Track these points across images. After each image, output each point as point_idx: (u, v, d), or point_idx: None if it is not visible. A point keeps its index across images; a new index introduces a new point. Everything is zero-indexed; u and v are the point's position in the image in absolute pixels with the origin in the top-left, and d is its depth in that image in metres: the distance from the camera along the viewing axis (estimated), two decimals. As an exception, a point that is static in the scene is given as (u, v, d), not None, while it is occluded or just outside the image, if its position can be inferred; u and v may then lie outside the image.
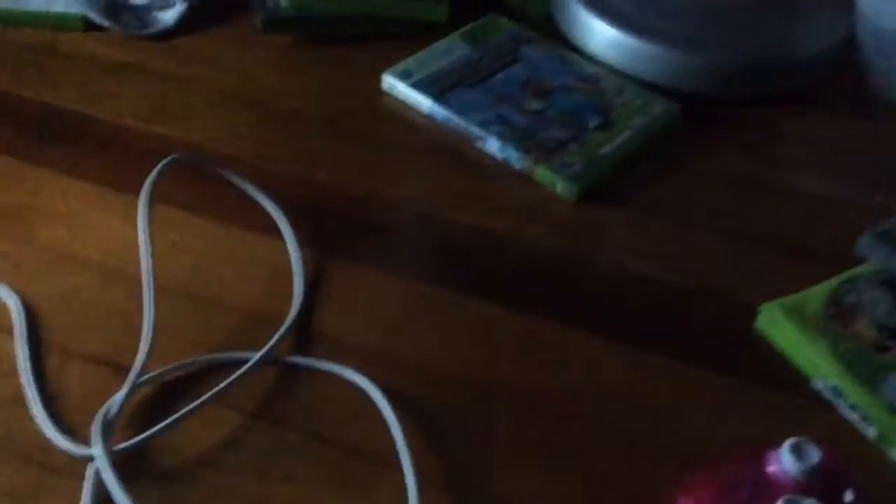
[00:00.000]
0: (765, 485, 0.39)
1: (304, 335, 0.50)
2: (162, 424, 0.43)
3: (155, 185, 0.52)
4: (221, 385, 0.45)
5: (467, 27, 0.71)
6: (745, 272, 0.56)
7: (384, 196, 0.59)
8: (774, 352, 0.51)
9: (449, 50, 0.69)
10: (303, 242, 0.54)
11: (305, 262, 0.53)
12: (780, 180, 0.63)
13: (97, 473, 0.41)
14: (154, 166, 0.53)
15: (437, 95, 0.65)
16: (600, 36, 0.69)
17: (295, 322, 0.50)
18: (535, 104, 0.65)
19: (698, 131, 0.66)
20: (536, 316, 0.52)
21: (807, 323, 0.51)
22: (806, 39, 0.69)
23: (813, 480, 0.39)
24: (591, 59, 0.70)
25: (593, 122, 0.64)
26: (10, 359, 0.47)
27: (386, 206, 0.58)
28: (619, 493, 0.44)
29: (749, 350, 0.52)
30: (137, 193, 0.52)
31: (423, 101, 0.65)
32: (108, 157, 0.59)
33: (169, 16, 0.71)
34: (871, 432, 0.47)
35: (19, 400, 0.45)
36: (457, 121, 0.63)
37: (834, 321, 0.51)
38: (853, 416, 0.48)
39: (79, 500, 0.41)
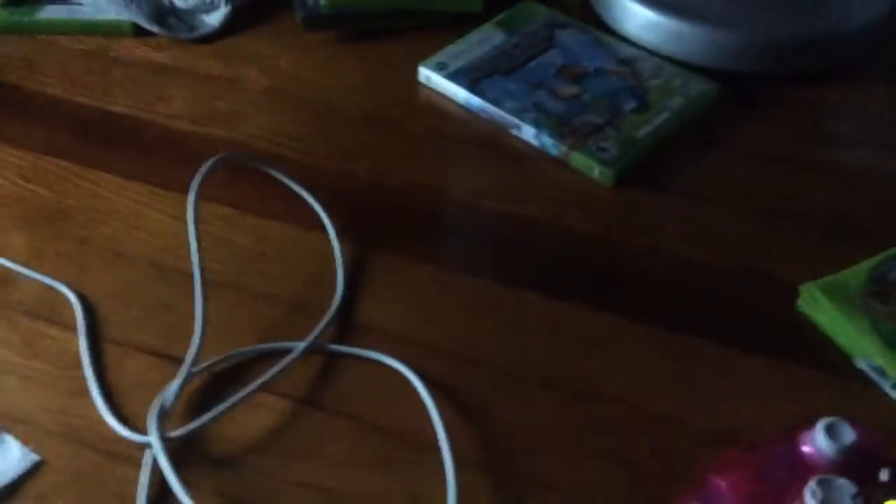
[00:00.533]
0: (799, 465, 0.39)
1: (347, 324, 0.51)
2: (214, 412, 0.45)
3: (202, 183, 0.54)
4: (269, 373, 0.47)
5: (501, 15, 0.72)
6: (788, 252, 0.56)
7: (422, 187, 0.60)
8: (817, 332, 0.51)
9: (484, 39, 0.70)
10: (344, 235, 0.56)
11: (346, 254, 0.55)
12: (822, 157, 0.62)
13: (153, 459, 0.44)
14: (202, 166, 0.55)
15: (472, 85, 0.66)
16: (636, 17, 0.69)
17: (337, 312, 0.51)
18: (570, 90, 0.65)
19: (738, 111, 0.66)
20: (574, 302, 0.53)
21: (847, 302, 0.50)
22: (846, 13, 0.68)
23: (847, 460, 0.39)
24: (627, 41, 0.70)
25: (629, 106, 0.64)
26: (73, 353, 0.50)
27: (424, 197, 0.60)
28: (656, 474, 0.44)
29: (791, 331, 0.51)
30: (187, 192, 0.54)
31: (458, 92, 0.66)
32: (159, 158, 0.62)
33: (213, 18, 0.73)
34: (916, 411, 0.47)
35: (82, 392, 0.48)
36: (492, 110, 0.64)
37: (876, 299, 0.51)
38: (897, 395, 0.48)
39: (137, 484, 0.43)
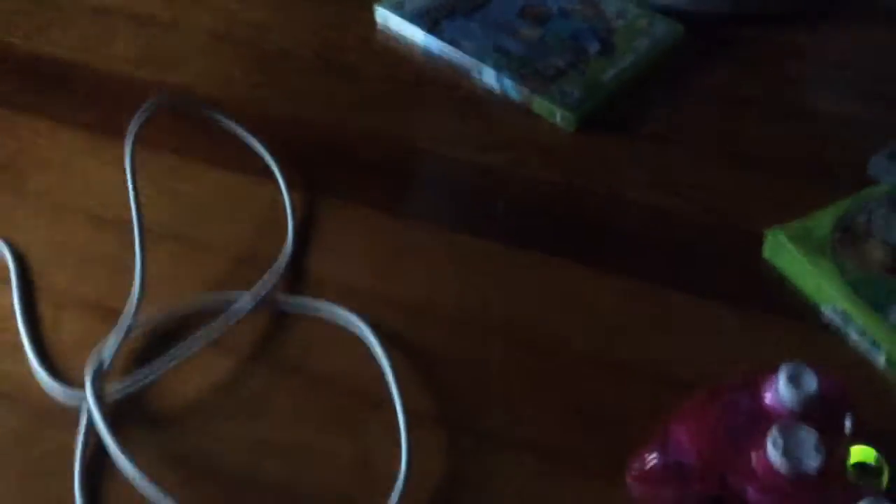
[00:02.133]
0: (761, 413, 0.38)
1: (297, 277, 0.49)
2: (155, 369, 0.43)
3: (143, 129, 0.51)
4: (213, 328, 0.45)
5: (462, -47, 0.69)
6: (756, 198, 0.54)
7: (378, 133, 0.58)
8: (783, 279, 0.50)
9: (443, -22, 0.67)
10: (295, 183, 0.53)
11: (297, 204, 0.52)
12: (791, 101, 0.61)
13: (89, 419, 0.41)
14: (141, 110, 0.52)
15: (431, 26, 0.63)
16: (602, -44, 0.66)
17: (287, 264, 0.49)
18: (532, 31, 0.63)
19: (705, 53, 0.63)
20: (534, 251, 0.51)
21: (813, 248, 0.49)
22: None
23: (810, 407, 0.37)
24: (592, -19, 0.67)
25: (593, 48, 0.61)
26: (5, 308, 0.47)
27: (380, 144, 0.57)
28: (616, 424, 0.43)
29: (757, 278, 0.50)
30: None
31: (416, 34, 0.63)
32: (99, 104, 0.59)
33: (156, -44, 0.69)
34: (881, 357, 0.46)
35: (15, 348, 0.45)
36: (451, 52, 0.61)
37: (842, 245, 0.49)
38: (862, 342, 0.47)
39: (73, 445, 0.41)
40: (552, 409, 0.44)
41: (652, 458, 0.39)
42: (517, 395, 0.44)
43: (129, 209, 0.49)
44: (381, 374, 0.44)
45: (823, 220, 0.51)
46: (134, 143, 0.51)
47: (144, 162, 0.54)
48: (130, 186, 0.49)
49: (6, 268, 0.48)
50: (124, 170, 0.51)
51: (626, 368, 0.46)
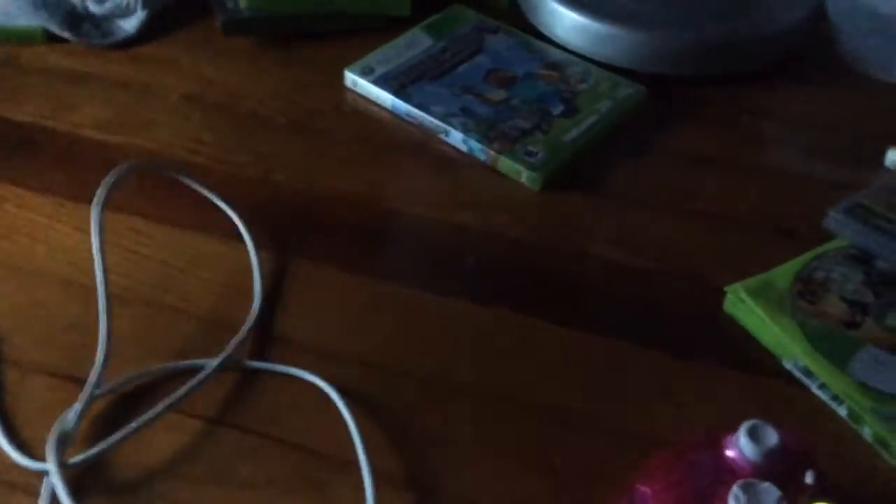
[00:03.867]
0: (724, 469, 0.38)
1: (264, 339, 0.49)
2: (117, 435, 0.43)
3: (111, 193, 0.52)
4: (177, 393, 0.44)
5: (429, 20, 0.71)
6: (716, 254, 0.55)
7: (347, 195, 0.58)
8: (744, 333, 0.51)
9: (411, 43, 0.68)
10: (262, 245, 0.54)
11: (265, 266, 0.53)
12: (749, 159, 0.62)
13: (52, 488, 0.41)
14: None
15: (399, 90, 0.64)
16: (564, 21, 0.68)
17: (254, 326, 0.49)
18: (498, 94, 0.64)
19: (667, 113, 0.65)
20: (501, 308, 0.51)
21: (773, 303, 0.50)
22: (773, 15, 0.68)
23: (772, 463, 0.38)
24: (555, 45, 0.69)
25: (557, 110, 0.63)
26: (-31, 376, 0.47)
27: (349, 206, 0.58)
28: (582, 482, 0.43)
29: (718, 333, 0.51)
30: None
31: (384, 97, 0.64)
32: (67, 169, 0.59)
33: (129, 24, 0.70)
34: (843, 411, 0.47)
35: (-23, 417, 0.45)
36: (419, 115, 0.63)
37: (802, 299, 0.50)
38: (824, 396, 0.47)
39: (35, 514, 0.41)
40: (519, 469, 0.44)
41: (618, 517, 0.39)
42: (485, 455, 0.44)
43: (94, 273, 0.49)
44: (348, 436, 0.44)
45: (783, 276, 0.52)
46: (101, 208, 0.51)
47: (112, 226, 0.54)
48: (96, 251, 0.49)
49: (-30, 334, 0.48)
50: (90, 233, 0.51)
51: (593, 426, 0.46)
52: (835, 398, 0.47)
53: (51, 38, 0.69)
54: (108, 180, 0.51)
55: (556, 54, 0.68)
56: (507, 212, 0.58)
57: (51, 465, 0.41)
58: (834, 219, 0.55)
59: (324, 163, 0.61)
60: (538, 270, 0.54)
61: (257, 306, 0.50)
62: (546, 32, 0.70)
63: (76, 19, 0.70)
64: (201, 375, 0.45)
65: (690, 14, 0.68)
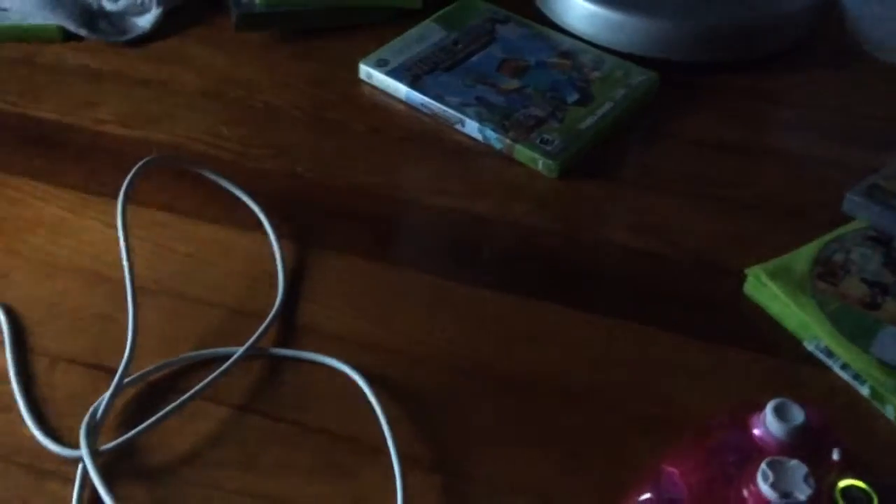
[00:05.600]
0: (751, 448, 0.39)
1: (289, 327, 0.50)
2: (147, 423, 0.43)
3: (131, 187, 0.52)
4: (205, 381, 0.45)
5: (441, 11, 0.71)
6: (734, 238, 0.55)
7: (365, 185, 0.59)
8: (765, 316, 0.51)
9: (424, 35, 0.69)
10: (284, 236, 0.54)
11: (287, 256, 0.53)
12: (764, 143, 0.63)
13: (85, 475, 0.41)
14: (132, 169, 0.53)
15: (414, 81, 0.64)
16: (576, 10, 0.69)
17: (278, 315, 0.50)
18: (512, 83, 0.65)
19: (680, 99, 0.66)
20: (520, 295, 0.52)
21: (794, 285, 0.50)
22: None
23: (798, 441, 0.38)
24: (568, 34, 0.69)
25: (572, 98, 0.63)
26: (0, 367, 0.47)
27: (367, 196, 0.58)
28: (609, 465, 0.44)
29: (739, 316, 0.51)
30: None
31: (399, 88, 0.65)
32: (90, 164, 0.60)
33: (145, 20, 0.71)
34: (865, 390, 0.47)
35: (9, 406, 0.45)
36: (434, 105, 0.63)
37: (822, 281, 0.51)
38: (846, 376, 0.48)
39: (70, 501, 0.41)
40: (545, 453, 0.44)
41: (645, 497, 0.39)
42: (511, 439, 0.45)
43: (121, 266, 0.50)
44: (375, 421, 0.44)
45: (802, 258, 0.52)
46: (125, 202, 0.52)
47: (135, 219, 0.55)
48: (122, 244, 0.50)
49: (-1, 327, 0.49)
50: (115, 228, 0.52)
51: (616, 410, 0.46)
52: (857, 377, 0.47)
53: (67, 37, 0.70)
54: (130, 175, 0.52)
55: (568, 43, 0.68)
56: (524, 200, 0.58)
57: (83, 452, 0.41)
58: (852, 201, 0.55)
59: (341, 154, 0.61)
60: (556, 257, 0.54)
61: (281, 295, 0.50)
62: (557, 21, 0.70)
63: (92, 17, 0.70)
64: (228, 363, 0.46)
65: (702, 0, 0.68)
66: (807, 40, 0.70)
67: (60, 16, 0.69)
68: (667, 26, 0.66)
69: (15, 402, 0.45)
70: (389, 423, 0.44)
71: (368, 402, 0.45)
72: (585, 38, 0.68)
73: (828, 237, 0.53)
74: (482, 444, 0.44)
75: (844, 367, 0.48)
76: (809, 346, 0.49)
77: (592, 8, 0.68)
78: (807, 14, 0.69)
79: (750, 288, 0.52)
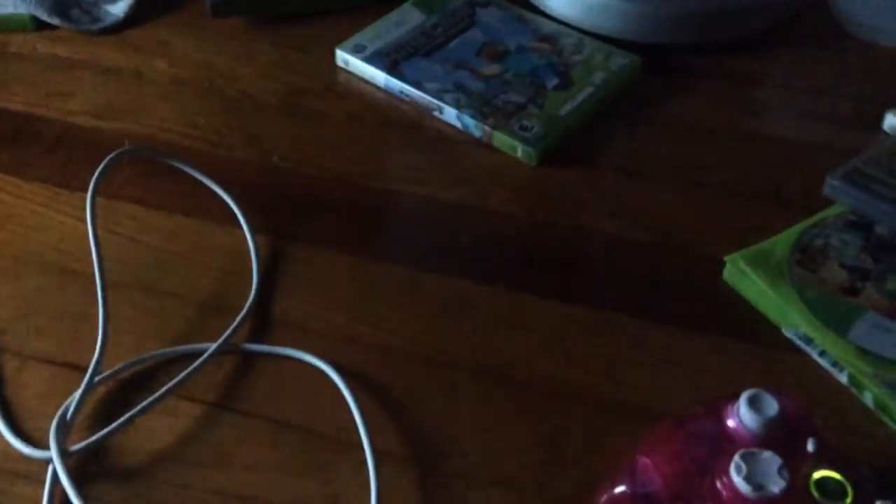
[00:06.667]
0: (726, 439, 0.38)
1: (263, 322, 0.49)
2: (118, 422, 0.43)
3: (102, 179, 0.52)
4: (177, 378, 0.45)
5: (420, -5, 0.70)
6: (713, 224, 0.55)
7: (342, 175, 0.58)
8: (744, 303, 0.50)
9: (402, 20, 0.68)
10: (259, 228, 0.54)
11: (262, 249, 0.53)
12: (746, 127, 0.62)
13: (55, 475, 0.41)
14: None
15: (391, 67, 0.63)
16: (556, -7, 0.68)
17: (252, 309, 0.49)
18: (491, 68, 0.64)
19: (662, 83, 0.65)
20: (498, 285, 0.51)
21: (772, 271, 0.50)
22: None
23: (773, 432, 0.38)
24: (548, 17, 0.68)
25: (551, 83, 0.62)
26: (-31, 367, 0.47)
27: (344, 186, 0.57)
28: (583, 455, 0.43)
29: (718, 303, 0.51)
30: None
31: (377, 75, 0.64)
32: (61, 157, 0.59)
33: (118, 8, 0.69)
34: (843, 378, 0.47)
35: (-22, 407, 0.45)
36: (412, 92, 0.62)
37: (801, 267, 0.50)
38: (825, 363, 0.47)
39: (40, 501, 0.41)
40: (520, 444, 0.44)
41: (620, 489, 0.39)
42: (486, 432, 0.44)
43: (92, 261, 0.49)
44: (349, 416, 0.44)
45: (781, 244, 0.51)
46: (95, 194, 0.51)
47: (108, 213, 0.54)
48: (91, 238, 0.49)
49: (-31, 325, 0.48)
50: (85, 221, 0.51)
51: (592, 399, 0.46)
52: (835, 365, 0.47)
53: (39, 26, 0.69)
54: (100, 167, 0.51)
55: (549, 26, 0.67)
56: (504, 188, 0.57)
57: (53, 454, 0.41)
58: (832, 185, 0.54)
59: (318, 143, 0.60)
60: (536, 246, 0.54)
61: (255, 289, 0.50)
62: (538, 4, 0.69)
63: (64, 6, 0.69)
64: (201, 360, 0.45)
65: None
66: (790, 21, 0.69)
67: (32, 4, 0.68)
68: (648, 9, 0.65)
69: (-15, 401, 0.45)
70: (364, 417, 0.44)
71: (343, 397, 0.45)
72: (567, 21, 0.67)
73: (808, 222, 0.53)
74: (458, 436, 0.44)
75: (823, 354, 0.47)
76: (788, 333, 0.49)
77: (572, -10, 0.67)
78: (789, -6, 0.68)
79: (728, 275, 0.51)
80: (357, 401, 0.44)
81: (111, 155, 0.52)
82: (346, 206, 0.56)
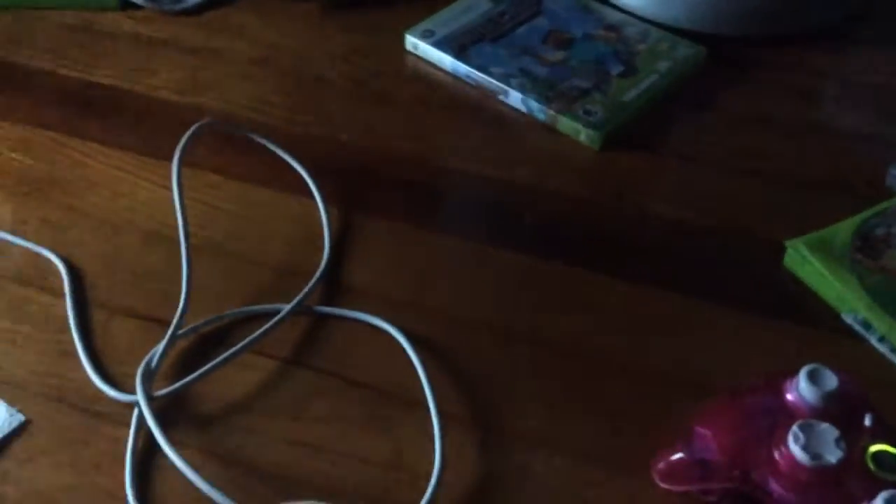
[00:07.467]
0: (782, 412, 0.39)
1: (333, 286, 0.51)
2: (199, 371, 0.45)
3: (186, 149, 0.54)
4: (255, 334, 0.47)
5: (489, -17, 0.72)
6: (775, 211, 0.56)
7: (409, 153, 0.60)
8: (804, 288, 0.51)
9: (470, 7, 0.69)
10: (330, 200, 0.56)
11: (333, 218, 0.55)
12: (809, 118, 0.62)
13: (140, 418, 0.44)
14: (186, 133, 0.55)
15: (459, 52, 0.65)
16: (623, -16, 0.69)
17: (324, 274, 0.51)
18: (556, 55, 0.65)
19: (726, 74, 0.65)
20: (560, 262, 0.53)
21: (833, 257, 0.50)
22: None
23: (831, 406, 0.39)
24: (614, 7, 0.69)
25: (616, 70, 0.64)
26: (60, 318, 0.50)
27: (411, 163, 0.59)
28: (642, 425, 0.45)
29: (778, 287, 0.51)
30: (172, 160, 0.54)
31: (444, 59, 0.66)
32: (146, 128, 0.62)
33: (199, -10, 0.73)
34: (902, 363, 0.47)
35: (69, 354, 0.48)
36: (478, 76, 0.64)
37: (862, 254, 0.51)
38: (883, 348, 0.48)
39: (125, 442, 0.43)
40: (580, 413, 0.45)
41: (677, 455, 0.40)
42: (546, 399, 0.46)
43: (175, 225, 0.52)
44: (415, 378, 0.46)
45: (843, 231, 0.52)
46: (181, 163, 0.54)
47: (188, 181, 0.56)
48: (177, 203, 0.52)
49: (61, 281, 0.51)
50: (169, 188, 0.54)
51: (651, 373, 0.47)
52: (894, 351, 0.47)
53: (124, 6, 0.72)
54: (185, 137, 0.54)
55: (615, 15, 0.69)
56: (566, 170, 0.59)
57: (139, 397, 0.44)
58: (895, 176, 0.55)
59: (386, 123, 0.62)
60: (597, 226, 0.55)
61: (326, 256, 0.52)
62: (605, -5, 0.70)
63: (149, -13, 0.72)
64: (276, 318, 0.48)
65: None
66: (856, 16, 0.69)
67: (118, -15, 0.71)
68: (714, 0, 0.66)
69: (75, 350, 0.48)
70: (429, 379, 0.45)
71: (409, 360, 0.47)
72: (633, 11, 0.68)
73: (870, 212, 0.53)
74: (518, 402, 0.46)
75: (882, 339, 0.48)
76: (847, 319, 0.49)
77: (639, -19, 0.68)
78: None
79: (789, 260, 0.52)
80: (423, 363, 0.46)
81: (194, 126, 0.55)
82: (413, 182, 0.58)
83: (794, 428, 0.37)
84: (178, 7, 0.72)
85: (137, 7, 0.72)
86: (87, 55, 0.68)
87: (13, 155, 0.60)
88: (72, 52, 0.68)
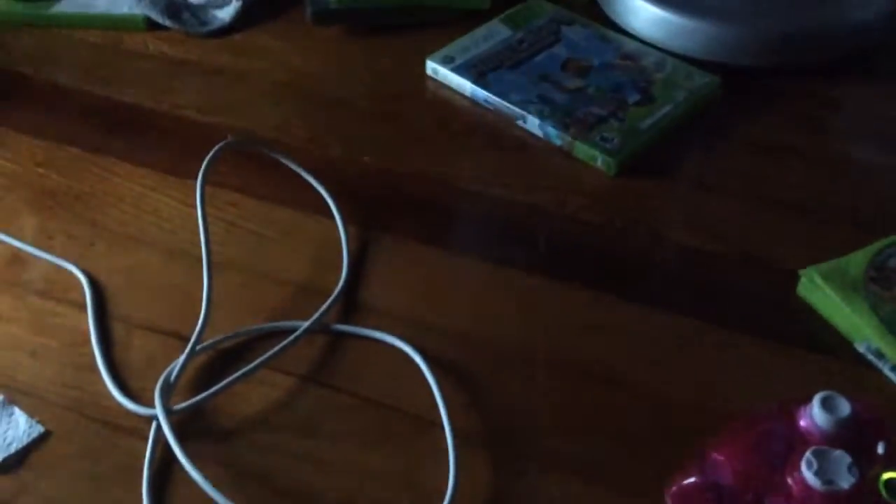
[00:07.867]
0: (796, 438, 0.40)
1: (351, 305, 0.52)
2: (217, 386, 0.46)
3: (210, 167, 0.55)
4: (272, 350, 0.48)
5: (508, 12, 0.73)
6: (788, 240, 0.56)
7: (428, 176, 0.61)
8: (817, 317, 0.51)
9: (490, 34, 0.71)
10: (350, 220, 0.57)
11: (351, 238, 0.56)
12: (823, 149, 0.63)
13: (158, 431, 0.44)
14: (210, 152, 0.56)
15: (478, 78, 0.66)
16: (641, 13, 0.70)
17: (342, 293, 0.52)
18: (574, 82, 0.66)
19: (741, 104, 0.66)
20: (576, 285, 0.53)
21: (847, 287, 0.51)
22: (850, 7, 0.68)
23: (844, 433, 0.39)
24: (631, 37, 0.70)
25: (633, 98, 0.65)
26: (82, 331, 0.50)
27: (430, 185, 0.60)
28: (656, 450, 0.45)
29: (791, 316, 0.52)
30: (196, 178, 0.55)
31: (464, 84, 0.67)
32: (169, 146, 0.63)
33: (225, 13, 0.74)
34: (915, 394, 0.47)
35: (89, 367, 0.48)
36: (497, 101, 0.65)
37: (876, 284, 0.51)
38: (895, 377, 0.48)
39: (143, 455, 0.44)
40: (594, 434, 0.46)
41: (691, 480, 0.41)
42: (561, 420, 0.46)
43: (197, 242, 0.53)
44: (430, 397, 0.46)
45: (857, 261, 0.52)
46: (204, 181, 0.55)
47: (209, 198, 0.57)
48: (200, 221, 0.53)
49: (83, 294, 0.52)
50: (190, 206, 0.55)
51: (664, 397, 0.47)
52: (908, 380, 0.47)
53: (151, 26, 0.74)
54: (209, 156, 0.55)
55: (632, 45, 0.70)
56: (582, 194, 0.59)
57: (158, 411, 0.44)
58: (910, 207, 0.55)
59: (406, 145, 0.63)
60: (612, 251, 0.56)
61: (345, 275, 0.53)
62: (622, 24, 0.71)
63: (176, 9, 0.74)
64: (294, 336, 0.48)
65: (767, 6, 0.68)
66: (871, 49, 0.70)
67: (146, 6, 0.73)
68: (731, 31, 0.67)
69: (95, 363, 0.49)
70: (444, 398, 0.46)
71: (424, 379, 0.47)
72: (650, 41, 0.69)
73: (884, 242, 0.53)
74: (534, 424, 0.46)
75: (894, 368, 0.48)
76: (860, 348, 0.49)
77: (657, 12, 0.69)
78: (871, 22, 0.68)
79: (803, 288, 0.52)
80: (438, 382, 0.47)
81: (218, 145, 0.56)
82: (431, 203, 0.59)
83: (808, 454, 0.38)
84: (205, 29, 0.73)
85: (164, 28, 0.73)
86: (113, 74, 0.70)
87: (39, 170, 0.61)
88: (99, 70, 0.70)
